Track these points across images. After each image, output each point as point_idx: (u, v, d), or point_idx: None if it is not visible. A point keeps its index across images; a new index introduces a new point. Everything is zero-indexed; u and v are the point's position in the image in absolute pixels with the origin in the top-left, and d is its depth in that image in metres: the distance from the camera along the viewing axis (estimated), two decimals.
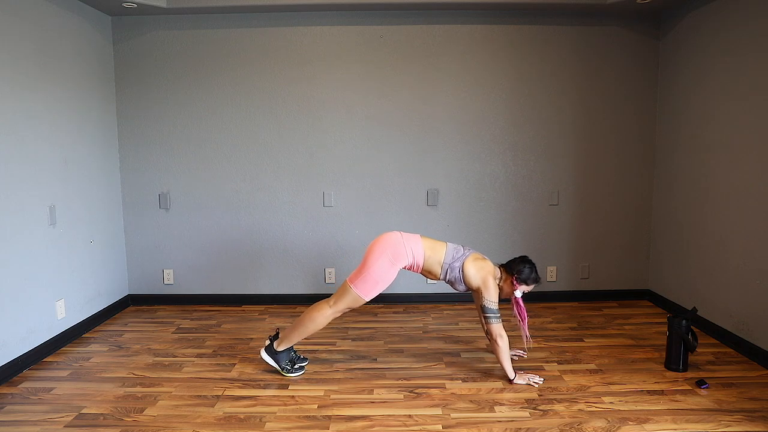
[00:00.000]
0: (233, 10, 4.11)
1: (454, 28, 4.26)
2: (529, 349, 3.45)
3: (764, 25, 3.18)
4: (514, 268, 3.01)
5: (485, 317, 2.93)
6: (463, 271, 2.97)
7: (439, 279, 3.06)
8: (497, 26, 4.26)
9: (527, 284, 3.01)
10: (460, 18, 4.25)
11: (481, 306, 2.99)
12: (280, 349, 3.07)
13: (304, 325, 3.01)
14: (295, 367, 3.11)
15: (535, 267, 3.04)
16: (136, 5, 3.90)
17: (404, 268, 3.03)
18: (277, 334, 3.13)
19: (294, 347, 3.15)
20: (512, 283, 3.00)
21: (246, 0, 3.94)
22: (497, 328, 2.90)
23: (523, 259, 3.04)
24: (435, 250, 3.01)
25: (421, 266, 3.03)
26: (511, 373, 2.96)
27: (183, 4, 3.97)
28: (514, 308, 3.08)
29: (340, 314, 3.03)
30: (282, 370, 3.08)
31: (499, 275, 3.04)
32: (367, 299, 2.96)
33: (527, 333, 3.13)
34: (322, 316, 2.99)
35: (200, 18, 4.23)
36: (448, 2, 4.00)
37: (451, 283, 3.05)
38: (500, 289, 3.04)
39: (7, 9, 3.11)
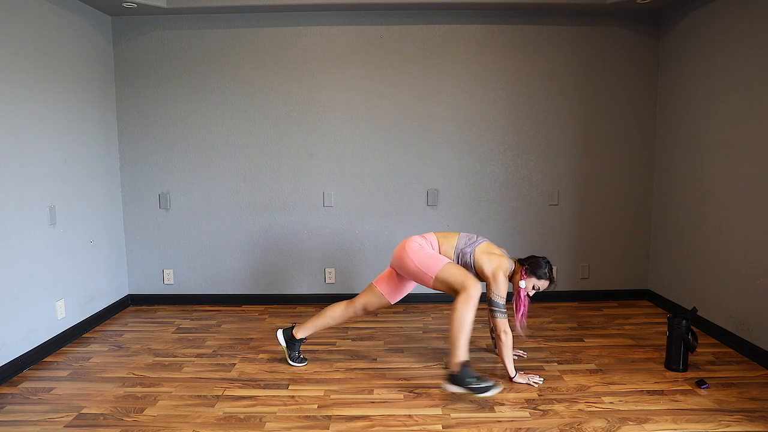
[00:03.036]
0: (233, 10, 4.11)
1: (454, 28, 4.26)
2: (529, 349, 3.45)
3: (764, 25, 3.18)
4: (527, 261, 3.03)
5: (491, 311, 2.92)
6: (474, 258, 2.99)
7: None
8: (497, 26, 4.26)
9: (537, 278, 2.98)
10: (460, 18, 4.25)
11: (488, 299, 2.98)
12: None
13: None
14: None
15: (551, 266, 3.04)
16: (136, 5, 3.90)
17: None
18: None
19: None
20: (522, 273, 3.00)
21: (246, 0, 3.94)
22: (502, 323, 2.90)
23: (542, 257, 3.05)
24: (447, 237, 3.09)
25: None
26: (512, 371, 2.96)
27: (183, 4, 3.97)
28: (513, 297, 3.04)
29: (477, 306, 2.88)
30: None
31: (512, 268, 3.04)
32: (436, 273, 2.89)
33: (520, 325, 3.03)
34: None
35: (200, 18, 4.23)
36: (448, 2, 4.00)
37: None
38: (510, 279, 3.04)
39: (7, 9, 3.11)
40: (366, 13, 4.24)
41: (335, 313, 3.19)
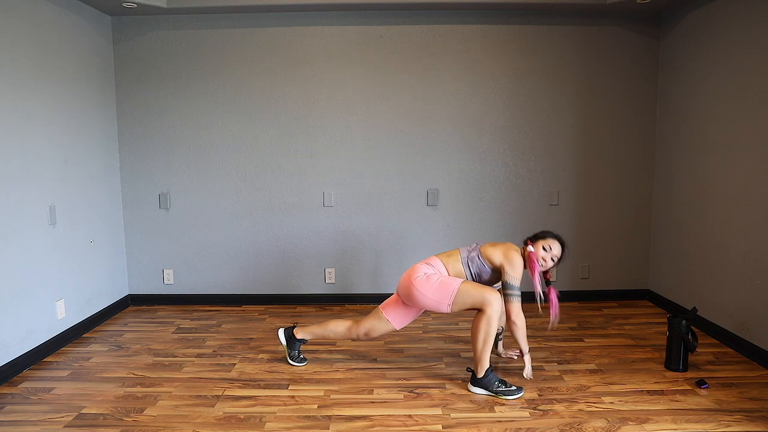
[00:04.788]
0: (233, 10, 4.11)
1: (454, 28, 4.26)
2: (529, 349, 3.43)
3: (764, 25, 3.18)
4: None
5: (506, 294, 2.86)
6: (483, 257, 2.95)
7: (467, 278, 3.03)
8: (497, 26, 4.26)
9: (543, 238, 2.94)
10: (459, 18, 4.25)
11: (503, 283, 2.91)
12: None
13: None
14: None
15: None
16: (136, 5, 3.90)
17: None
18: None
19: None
20: (528, 244, 2.96)
21: (246, 0, 3.94)
22: (516, 307, 2.86)
23: None
24: (450, 255, 3.05)
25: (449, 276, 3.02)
26: (526, 348, 2.97)
27: (183, 4, 3.97)
28: (540, 290, 2.92)
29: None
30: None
31: (520, 253, 2.98)
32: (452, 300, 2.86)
33: (554, 314, 3.01)
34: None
35: (200, 18, 4.23)
36: (448, 2, 4.00)
37: (479, 275, 2.99)
38: (522, 257, 2.96)
39: (7, 9, 3.11)
40: (366, 13, 4.24)
41: (337, 330, 3.17)
